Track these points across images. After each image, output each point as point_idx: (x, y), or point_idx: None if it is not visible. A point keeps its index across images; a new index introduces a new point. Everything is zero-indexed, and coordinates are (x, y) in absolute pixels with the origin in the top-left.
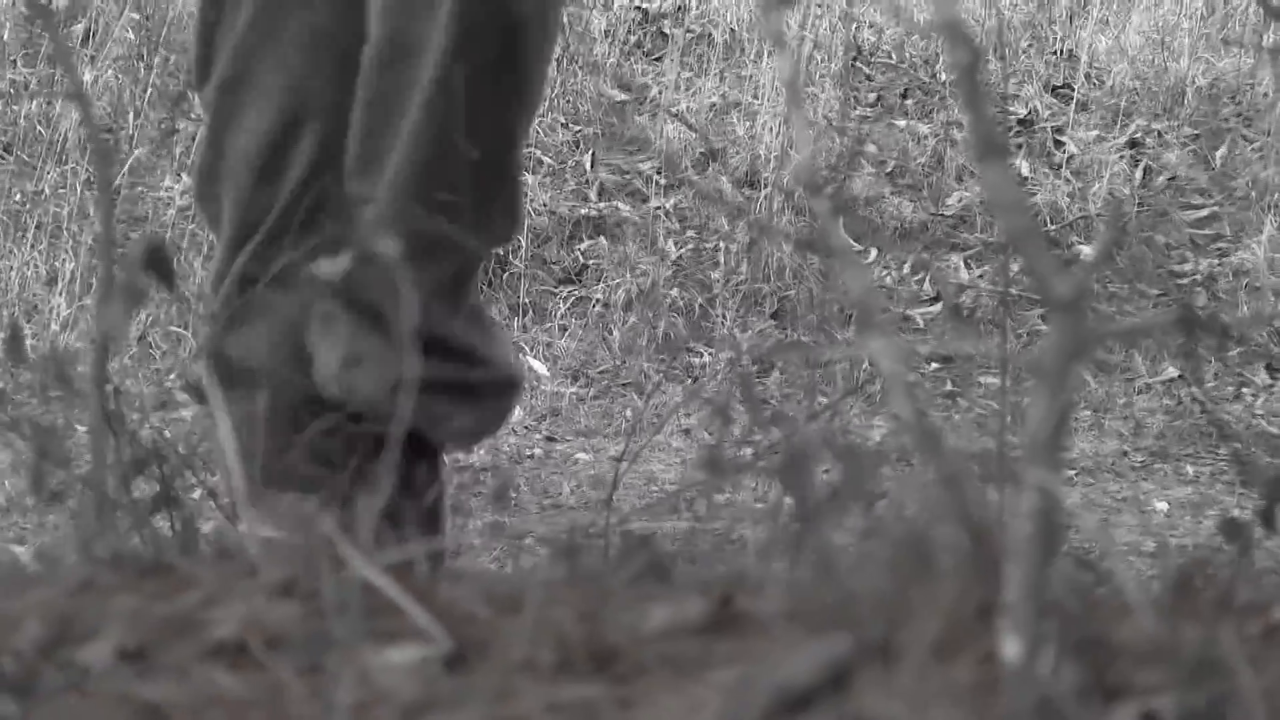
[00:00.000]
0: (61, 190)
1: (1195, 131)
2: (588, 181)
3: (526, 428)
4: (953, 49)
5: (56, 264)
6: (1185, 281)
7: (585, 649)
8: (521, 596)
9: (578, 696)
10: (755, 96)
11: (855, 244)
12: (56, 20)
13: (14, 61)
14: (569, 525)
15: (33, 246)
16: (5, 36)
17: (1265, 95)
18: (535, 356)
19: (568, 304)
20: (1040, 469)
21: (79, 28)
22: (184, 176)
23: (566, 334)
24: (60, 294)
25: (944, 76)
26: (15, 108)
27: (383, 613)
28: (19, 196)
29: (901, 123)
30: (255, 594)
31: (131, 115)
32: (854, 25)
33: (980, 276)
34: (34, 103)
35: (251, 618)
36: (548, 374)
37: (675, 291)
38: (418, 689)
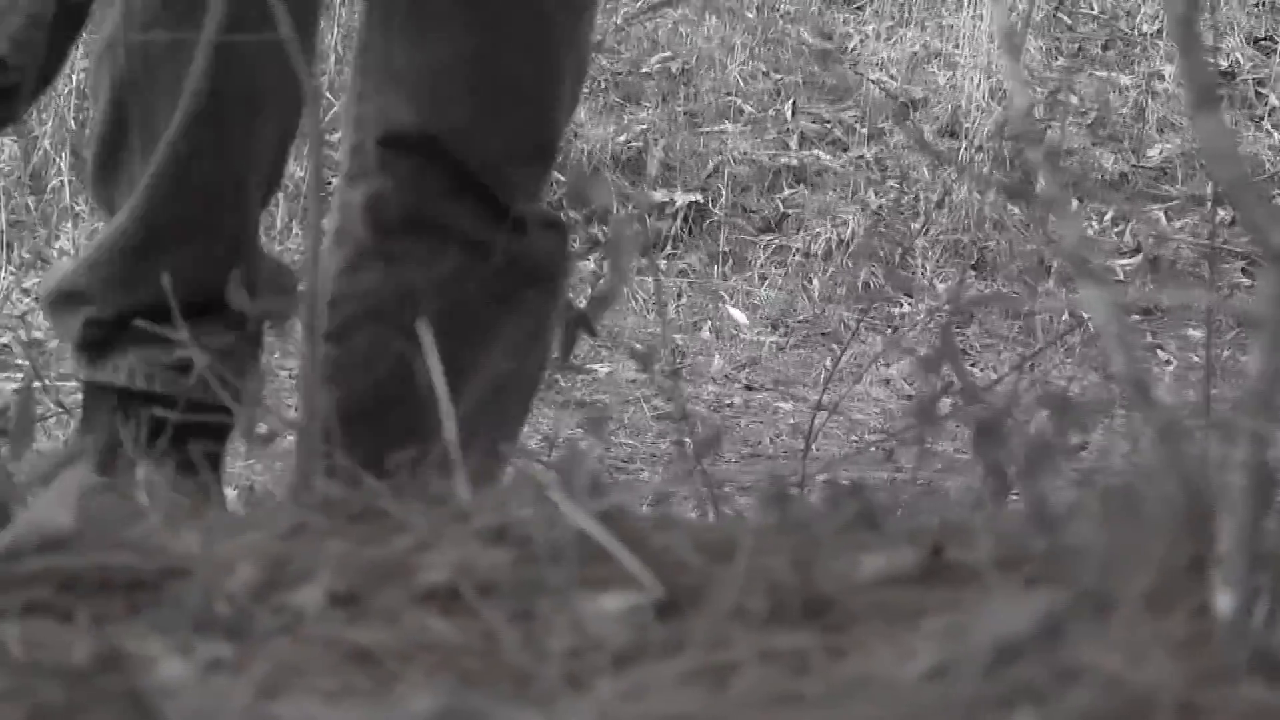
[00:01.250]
0: None
1: None
2: (788, 130)
3: (726, 376)
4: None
5: None
6: None
7: (797, 597)
8: (733, 544)
9: (790, 645)
10: (956, 46)
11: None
12: None
13: None
14: (769, 474)
15: None
16: None
17: None
18: (735, 305)
19: (767, 253)
20: (1257, 420)
21: None
22: None
23: (766, 283)
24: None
25: (1145, 28)
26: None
27: (594, 559)
28: None
29: (1102, 74)
30: (467, 539)
31: (332, 60)
32: None
33: (1181, 228)
34: None
35: (463, 563)
36: (747, 323)
37: (875, 241)
38: (630, 636)
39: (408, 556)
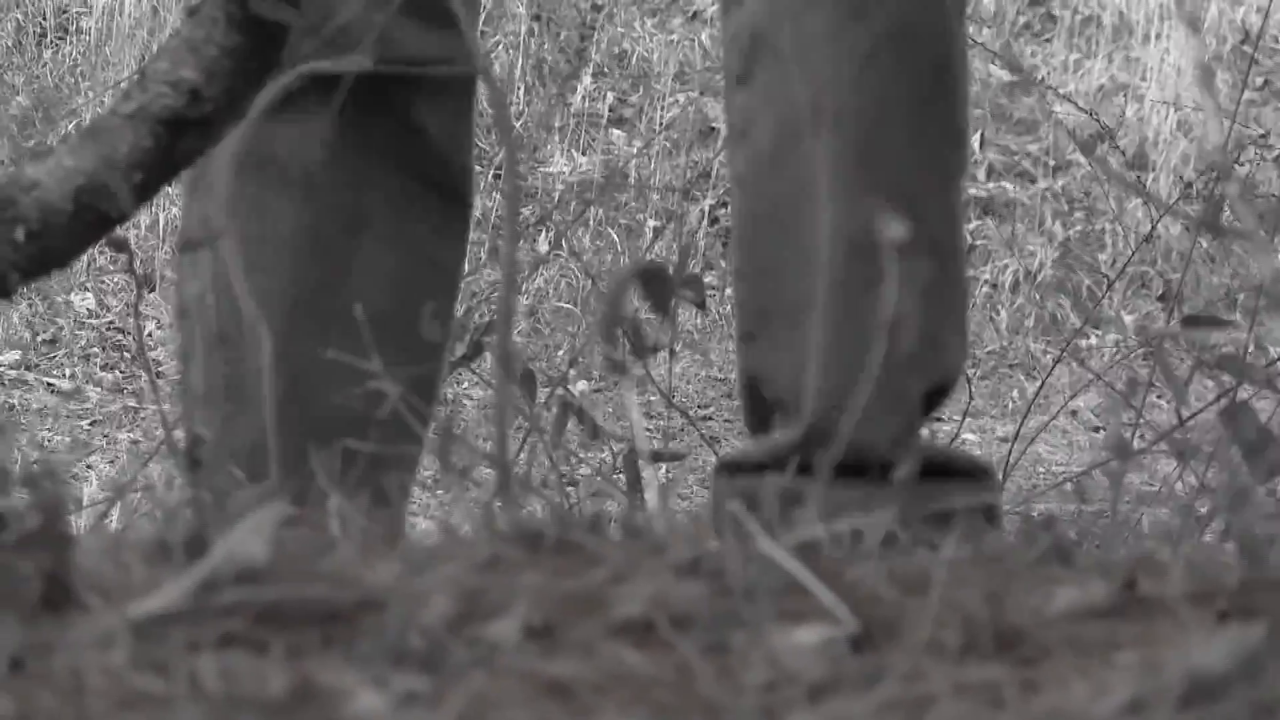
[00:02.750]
0: None
1: None
2: (976, 162)
3: None
4: None
5: None
6: None
7: (991, 630)
8: (926, 577)
9: (983, 678)
10: (1143, 79)
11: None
12: None
13: None
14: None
15: None
16: None
17: None
18: None
19: None
20: None
21: None
22: (574, 154)
23: None
24: None
25: None
26: None
27: (787, 592)
28: None
29: None
30: (662, 572)
31: (522, 90)
32: (1241, 8)
33: None
34: None
35: (658, 596)
36: None
37: (1063, 273)
38: (824, 669)
39: (602, 589)
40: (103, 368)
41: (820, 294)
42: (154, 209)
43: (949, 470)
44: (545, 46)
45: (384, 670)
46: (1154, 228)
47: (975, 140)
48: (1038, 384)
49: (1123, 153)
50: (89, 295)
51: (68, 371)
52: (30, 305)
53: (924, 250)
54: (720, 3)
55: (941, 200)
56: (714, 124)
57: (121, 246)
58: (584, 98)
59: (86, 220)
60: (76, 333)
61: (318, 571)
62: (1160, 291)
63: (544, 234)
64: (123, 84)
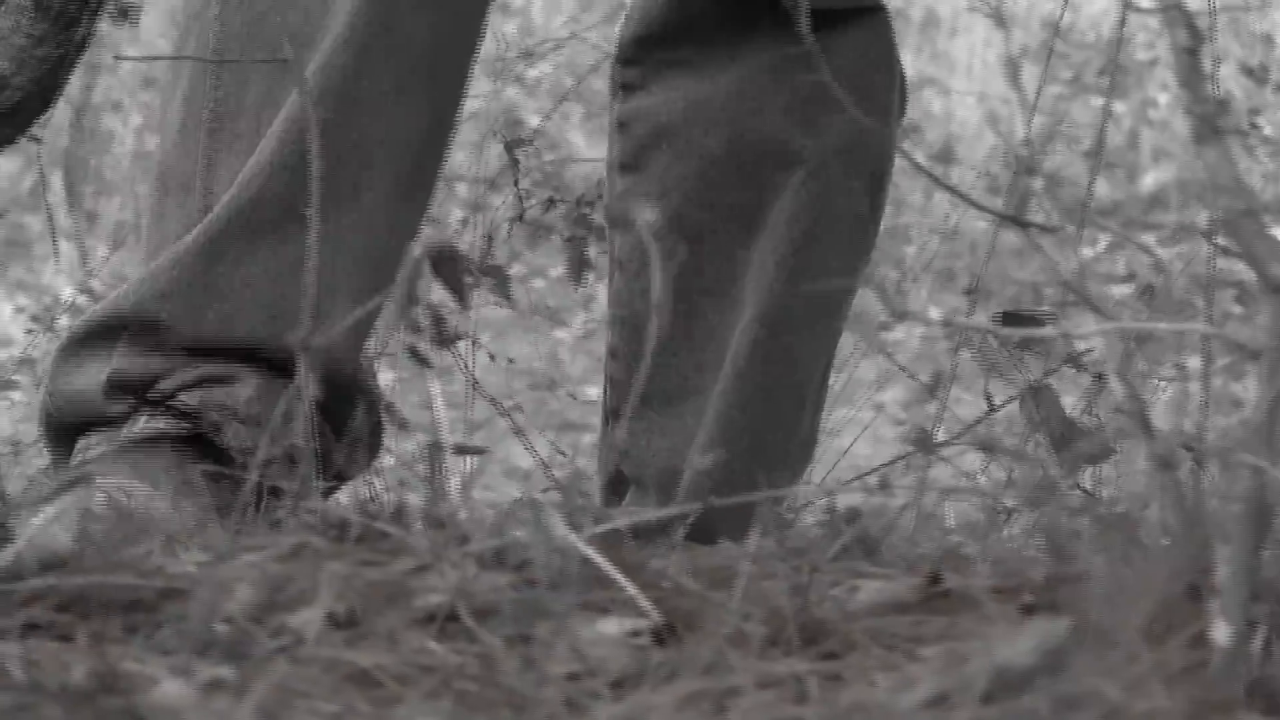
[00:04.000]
0: None
1: None
2: None
3: None
4: (1174, 30)
5: None
6: None
7: (795, 624)
8: (731, 570)
9: (788, 672)
10: (950, 72)
11: (1051, 222)
12: None
13: None
14: (766, 499)
15: None
16: None
17: None
18: None
19: None
20: (1255, 451)
21: None
22: None
23: None
24: None
25: (1140, 55)
26: None
27: (593, 584)
28: None
29: (1098, 101)
30: (466, 562)
31: None
32: (1049, 1)
33: (1175, 256)
34: None
35: (462, 586)
36: None
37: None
38: (628, 661)
39: (407, 579)
40: None
41: (720, 387)
42: None
43: None
44: None
45: (188, 658)
46: (955, 227)
47: None
48: (843, 377)
49: (929, 146)
50: None
51: None
52: None
53: (820, 359)
54: (615, 83)
55: (843, 313)
56: (519, 114)
57: None
58: None
59: None
60: None
61: (123, 560)
62: (966, 285)
63: None
64: None
